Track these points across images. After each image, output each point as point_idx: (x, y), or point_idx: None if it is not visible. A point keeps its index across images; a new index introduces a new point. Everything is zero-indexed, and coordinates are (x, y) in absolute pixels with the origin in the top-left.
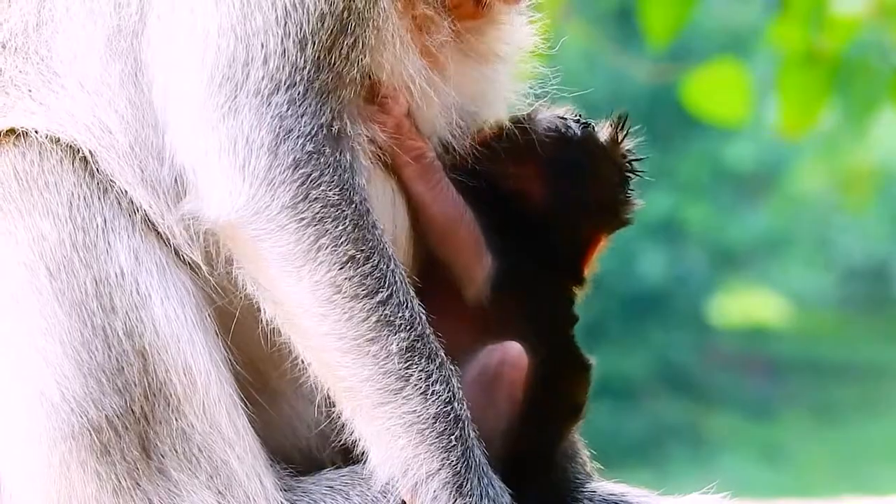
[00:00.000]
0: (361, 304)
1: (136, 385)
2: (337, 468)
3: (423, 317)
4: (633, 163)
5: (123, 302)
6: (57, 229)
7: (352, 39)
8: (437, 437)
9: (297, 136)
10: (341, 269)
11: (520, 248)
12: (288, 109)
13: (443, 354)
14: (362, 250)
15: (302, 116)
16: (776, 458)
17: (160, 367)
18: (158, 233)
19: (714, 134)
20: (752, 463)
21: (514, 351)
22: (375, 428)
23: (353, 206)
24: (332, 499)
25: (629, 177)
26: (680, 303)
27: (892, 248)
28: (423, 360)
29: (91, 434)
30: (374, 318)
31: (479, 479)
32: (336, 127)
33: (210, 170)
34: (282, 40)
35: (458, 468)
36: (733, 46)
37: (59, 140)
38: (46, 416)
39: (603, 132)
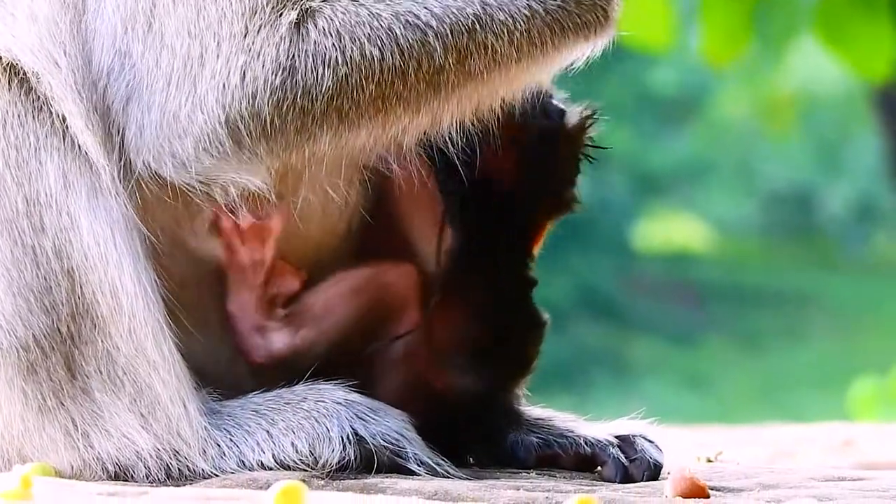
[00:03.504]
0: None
1: (63, 305)
2: (263, 392)
3: None
4: (590, 150)
5: (52, 222)
6: None
7: None
8: None
9: (265, 78)
10: None
11: (480, 223)
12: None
13: None
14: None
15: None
16: (699, 384)
17: (87, 288)
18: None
19: (637, 59)
20: (675, 389)
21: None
22: None
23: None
24: (257, 422)
25: (582, 163)
26: (603, 228)
27: (815, 175)
28: None
29: (18, 352)
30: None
31: None
32: (299, 9)
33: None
34: (234, 20)
35: None
36: None
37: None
38: None
39: (572, 117)
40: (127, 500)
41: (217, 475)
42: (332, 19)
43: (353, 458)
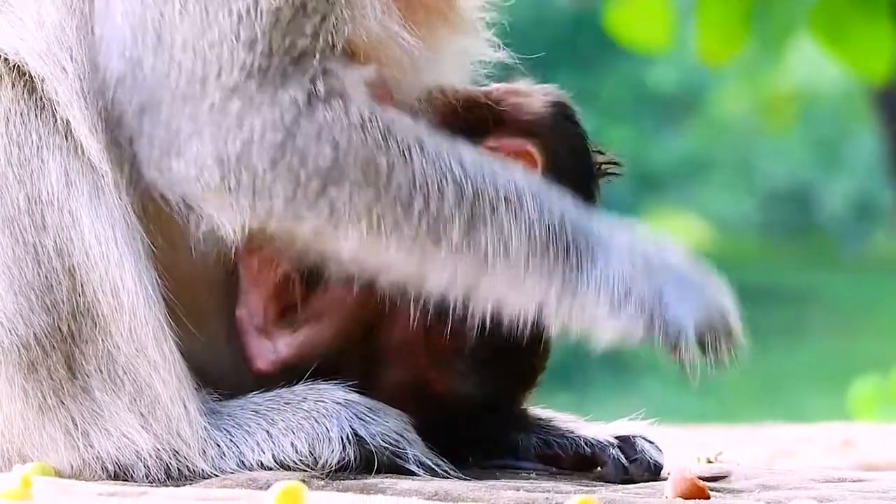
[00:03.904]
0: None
1: (64, 304)
2: (263, 392)
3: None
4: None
5: (54, 220)
6: None
7: (318, 18)
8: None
9: (262, 132)
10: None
11: None
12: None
13: None
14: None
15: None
16: (699, 384)
17: (88, 287)
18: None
19: (637, 58)
20: (675, 388)
21: None
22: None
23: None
24: (257, 423)
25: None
26: None
27: (814, 173)
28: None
29: (19, 351)
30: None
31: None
32: (309, 89)
33: (205, 202)
34: (234, 47)
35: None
36: None
37: (6, 60)
38: None
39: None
40: (126, 499)
41: (217, 475)
42: (347, 107)
43: (352, 458)
